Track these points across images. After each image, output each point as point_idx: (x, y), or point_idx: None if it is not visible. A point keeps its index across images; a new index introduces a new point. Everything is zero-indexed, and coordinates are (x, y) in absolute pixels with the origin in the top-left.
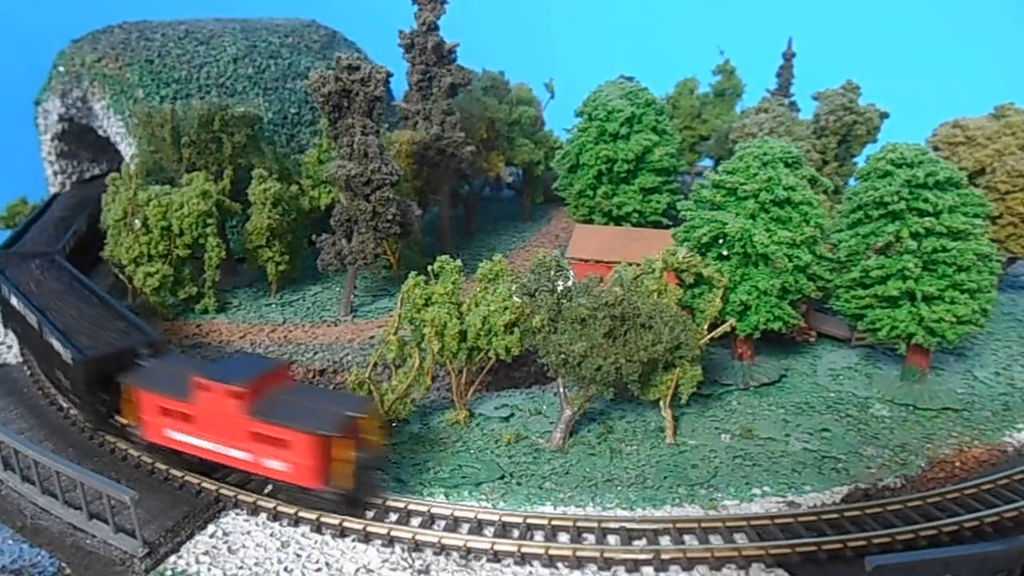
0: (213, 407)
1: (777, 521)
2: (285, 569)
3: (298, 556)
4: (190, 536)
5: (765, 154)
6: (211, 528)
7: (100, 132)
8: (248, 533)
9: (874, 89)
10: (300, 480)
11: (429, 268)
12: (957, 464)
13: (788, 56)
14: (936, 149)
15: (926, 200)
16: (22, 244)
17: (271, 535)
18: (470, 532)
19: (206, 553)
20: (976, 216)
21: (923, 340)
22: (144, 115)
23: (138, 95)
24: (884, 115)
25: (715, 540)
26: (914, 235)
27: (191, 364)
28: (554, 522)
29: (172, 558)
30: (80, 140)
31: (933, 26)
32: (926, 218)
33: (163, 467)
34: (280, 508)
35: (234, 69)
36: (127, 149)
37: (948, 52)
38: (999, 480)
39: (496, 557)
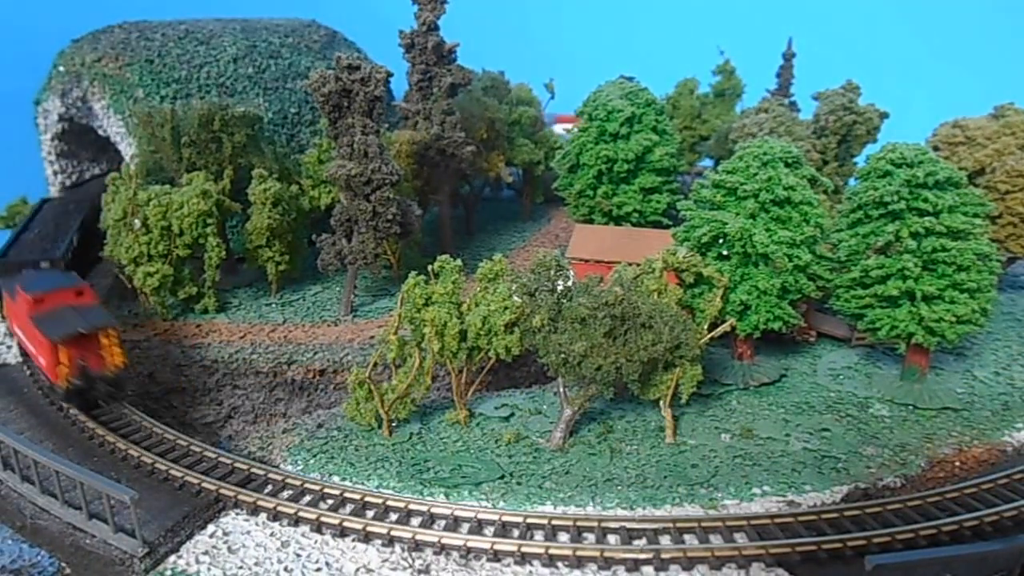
0: (21, 309)
1: (777, 520)
2: (285, 569)
3: (298, 556)
4: (190, 536)
5: (765, 154)
6: (211, 528)
7: (100, 132)
8: (248, 533)
9: (874, 89)
10: (47, 374)
11: (429, 268)
12: (957, 464)
13: (788, 56)
14: (936, 149)
15: (926, 200)
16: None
17: (271, 535)
18: (470, 532)
19: (206, 553)
20: (976, 216)
21: (923, 340)
22: (144, 115)
23: (138, 95)
24: (884, 115)
25: (715, 539)
26: (914, 235)
27: (30, 275)
28: (554, 522)
29: (172, 558)
30: (80, 140)
31: (933, 26)
32: (926, 218)
33: (163, 467)
34: (280, 508)
35: (234, 69)
36: (127, 149)
37: (948, 52)
38: (999, 479)
39: (496, 557)
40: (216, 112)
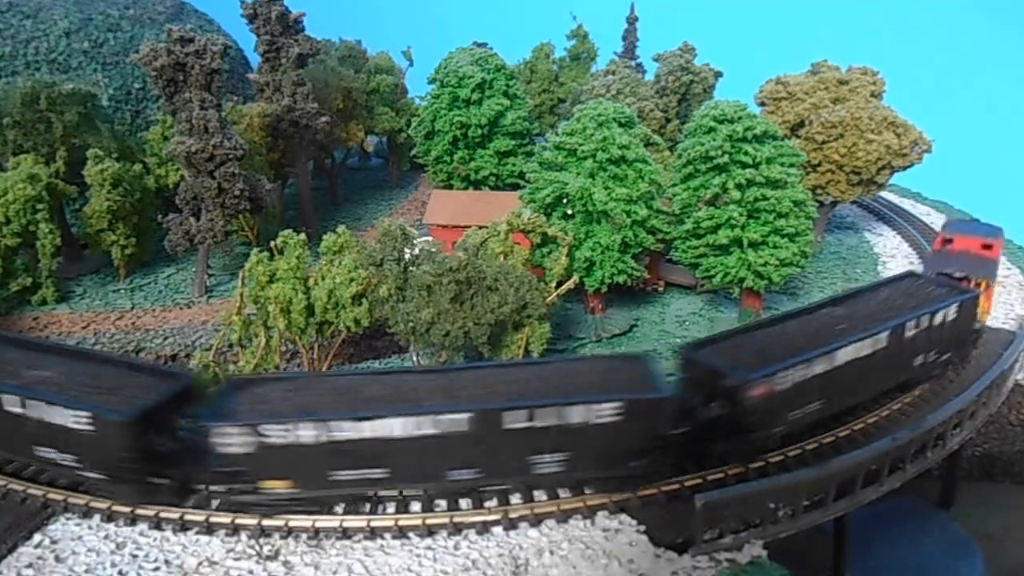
0: None
1: None
2: (120, 572)
3: (134, 557)
4: (12, 549)
5: (600, 115)
6: (37, 537)
7: None
8: (79, 538)
9: (710, 50)
10: None
11: (272, 244)
12: None
13: (631, 20)
14: (763, 105)
15: (746, 153)
16: None
17: (105, 537)
18: (318, 513)
19: (29, 566)
20: (791, 166)
21: (753, 283)
22: None
23: None
24: (718, 74)
25: (563, 493)
26: (738, 186)
27: None
28: (405, 492)
29: None
30: None
31: None
32: (747, 169)
33: None
34: (115, 508)
35: (67, 44)
36: None
37: (775, 13)
38: None
39: (346, 534)
40: (42, 90)
